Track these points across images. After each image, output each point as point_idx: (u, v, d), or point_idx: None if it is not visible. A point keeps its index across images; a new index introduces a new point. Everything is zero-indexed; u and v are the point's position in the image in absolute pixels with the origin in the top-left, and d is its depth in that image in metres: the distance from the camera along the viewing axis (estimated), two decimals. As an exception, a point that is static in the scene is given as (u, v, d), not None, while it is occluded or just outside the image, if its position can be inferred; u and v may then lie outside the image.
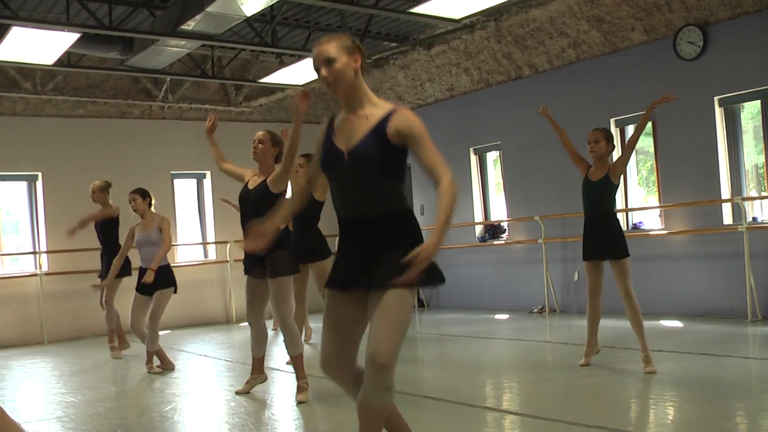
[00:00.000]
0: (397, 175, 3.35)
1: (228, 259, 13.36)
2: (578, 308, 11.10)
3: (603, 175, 6.31)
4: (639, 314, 6.12)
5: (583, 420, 4.59)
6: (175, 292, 7.84)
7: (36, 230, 12.36)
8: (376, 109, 3.35)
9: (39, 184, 12.29)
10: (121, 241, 8.72)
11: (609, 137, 6.43)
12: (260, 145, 6.01)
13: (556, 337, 9.03)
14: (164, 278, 7.68)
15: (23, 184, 12.41)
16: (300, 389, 5.87)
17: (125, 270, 9.01)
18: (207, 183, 13.79)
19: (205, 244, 13.76)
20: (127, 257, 9.07)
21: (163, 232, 7.75)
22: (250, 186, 5.92)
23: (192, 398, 6.36)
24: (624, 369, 6.25)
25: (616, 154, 8.38)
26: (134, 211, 7.93)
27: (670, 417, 4.77)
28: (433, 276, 3.28)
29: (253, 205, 5.72)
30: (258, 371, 6.23)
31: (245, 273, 6.01)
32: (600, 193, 6.33)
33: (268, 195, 5.70)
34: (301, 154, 7.50)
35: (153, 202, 8.04)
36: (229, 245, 13.27)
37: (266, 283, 5.90)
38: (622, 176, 6.51)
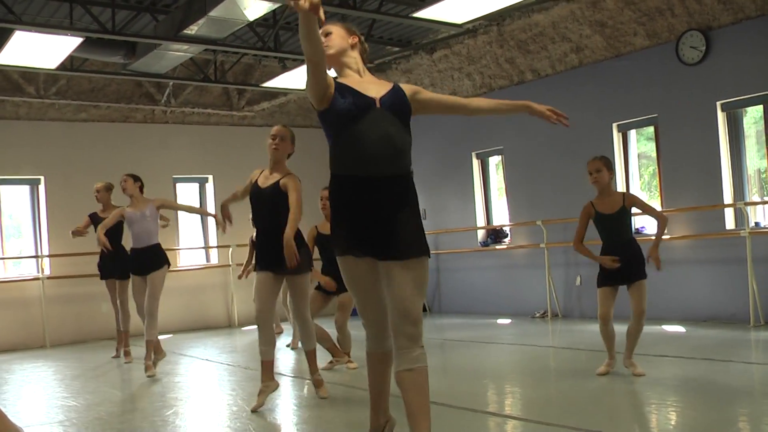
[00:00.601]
0: (410, 136, 3.64)
1: (230, 263, 13.36)
2: (580, 313, 11.09)
3: (619, 207, 6.06)
4: (641, 333, 6.16)
5: (586, 425, 4.58)
6: (168, 266, 7.83)
7: (38, 234, 12.37)
8: (379, 80, 3.78)
9: (41, 187, 12.31)
10: (123, 241, 8.75)
11: (609, 165, 6.17)
12: (281, 142, 5.77)
13: (559, 342, 9.01)
14: (155, 258, 7.70)
15: (26, 188, 12.43)
16: (317, 383, 5.96)
17: (124, 271, 9.07)
18: (209, 187, 13.80)
19: (207, 248, 13.77)
20: (124, 259, 9.14)
21: (166, 204, 7.93)
22: (262, 184, 5.74)
23: (194, 403, 6.35)
24: (627, 374, 6.23)
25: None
26: (123, 191, 7.96)
27: (673, 422, 4.76)
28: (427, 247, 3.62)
29: (269, 203, 5.67)
30: (269, 377, 5.80)
31: (259, 270, 5.71)
32: (619, 224, 6.11)
33: (281, 195, 5.63)
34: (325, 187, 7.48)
35: (143, 188, 8.06)
36: (231, 249, 13.27)
37: (279, 280, 5.78)
38: (615, 179, 6.45)
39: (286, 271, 5.63)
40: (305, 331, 5.96)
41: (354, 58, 3.74)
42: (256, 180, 5.81)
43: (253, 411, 5.63)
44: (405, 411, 3.43)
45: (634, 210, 6.32)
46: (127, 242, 8.32)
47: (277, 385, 5.89)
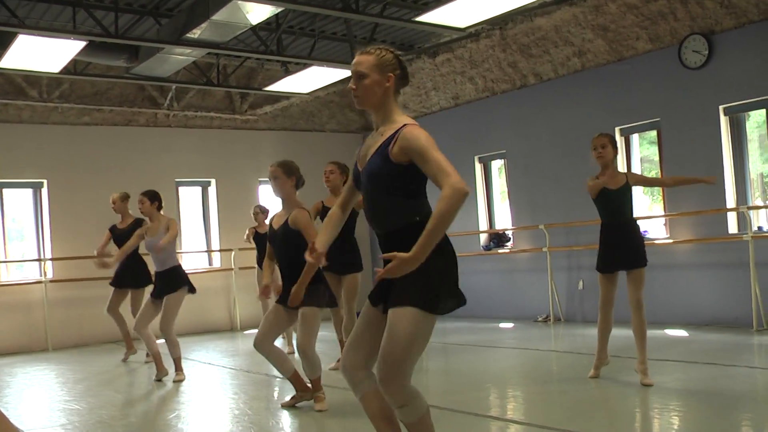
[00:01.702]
0: (407, 191, 3.33)
1: (233, 266, 13.37)
2: (583, 317, 11.08)
3: (623, 183, 6.08)
4: (645, 325, 6.04)
5: (589, 429, 4.58)
6: (192, 292, 7.61)
7: (41, 237, 12.38)
8: (392, 126, 3.35)
9: (44, 191, 12.32)
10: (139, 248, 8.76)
11: (615, 143, 6.24)
12: (276, 182, 5.69)
13: (561, 346, 9.00)
14: (173, 280, 7.50)
15: (29, 192, 12.45)
16: (317, 399, 5.80)
17: (146, 279, 9.14)
18: (212, 190, 13.80)
19: (209, 251, 13.77)
20: (140, 269, 9.28)
21: (169, 230, 7.57)
22: (275, 225, 5.77)
23: (196, 406, 6.35)
24: (630, 379, 6.22)
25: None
26: (141, 213, 7.84)
27: (676, 427, 4.75)
28: (442, 301, 3.33)
29: (281, 242, 5.67)
30: (302, 388, 5.91)
31: (279, 302, 5.74)
32: (620, 202, 6.10)
33: (292, 233, 5.59)
34: (330, 161, 7.49)
35: (162, 205, 7.88)
36: (233, 253, 13.28)
37: (292, 314, 5.72)
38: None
39: (298, 305, 5.60)
40: (306, 363, 5.76)
41: (383, 105, 3.39)
42: (272, 221, 5.85)
43: (282, 406, 5.94)
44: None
45: (637, 213, 6.31)
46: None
47: (311, 396, 5.92)
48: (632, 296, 6.01)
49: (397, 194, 3.32)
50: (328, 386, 6.61)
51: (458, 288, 3.46)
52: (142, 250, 8.58)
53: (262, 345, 5.73)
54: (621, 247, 6.06)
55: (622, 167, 10.63)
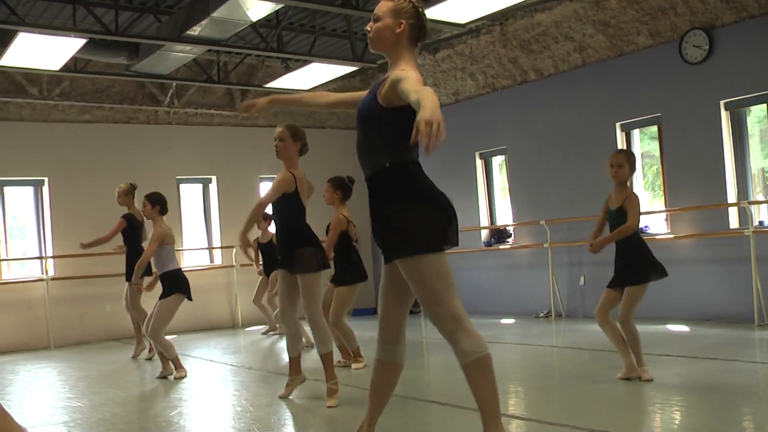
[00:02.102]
0: (387, 135, 3.44)
1: (234, 263, 13.37)
2: (584, 313, 11.09)
3: (619, 205, 5.96)
4: (633, 338, 5.87)
5: (590, 425, 4.58)
6: (189, 299, 7.58)
7: (42, 235, 12.39)
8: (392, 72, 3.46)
9: (45, 189, 12.33)
10: (144, 243, 8.76)
11: (632, 161, 6.01)
12: (281, 143, 5.87)
13: (562, 342, 9.01)
14: (166, 285, 7.48)
15: (30, 189, 12.45)
16: (330, 392, 5.72)
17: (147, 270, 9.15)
18: (213, 188, 13.80)
19: (210, 248, 13.77)
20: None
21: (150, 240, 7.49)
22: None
23: (198, 403, 6.36)
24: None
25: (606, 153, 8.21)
26: (144, 215, 7.83)
27: (677, 422, 4.75)
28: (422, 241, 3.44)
29: (275, 208, 5.85)
30: (295, 372, 6.05)
31: (281, 267, 5.85)
32: (616, 222, 5.99)
33: (285, 197, 5.72)
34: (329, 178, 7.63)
35: (166, 209, 7.68)
36: (234, 250, 13.29)
37: (290, 281, 5.83)
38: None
39: (293, 270, 5.72)
40: (316, 333, 5.76)
41: (395, 51, 3.51)
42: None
43: (281, 397, 6.02)
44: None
45: (641, 209, 6.23)
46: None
47: (303, 379, 6.10)
48: (620, 312, 5.90)
49: (380, 136, 3.46)
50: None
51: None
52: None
53: (285, 316, 5.88)
54: (617, 264, 6.01)
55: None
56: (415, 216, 3.41)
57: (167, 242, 7.50)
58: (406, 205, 3.42)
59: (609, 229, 6.08)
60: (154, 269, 7.73)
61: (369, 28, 3.51)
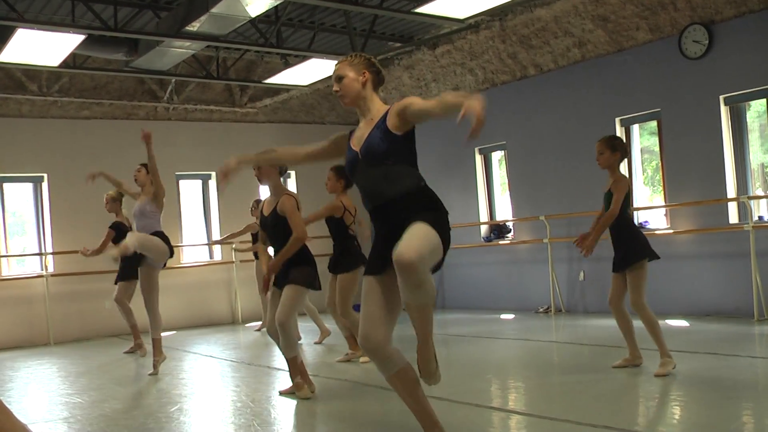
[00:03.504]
0: (406, 160, 3.82)
1: (233, 260, 13.37)
2: (584, 308, 11.09)
3: (608, 189, 6.11)
4: (651, 324, 5.93)
5: (590, 420, 4.58)
6: (171, 255, 7.56)
7: (42, 231, 12.39)
8: (379, 111, 3.92)
9: (45, 185, 12.32)
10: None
11: (615, 146, 6.11)
12: (258, 171, 5.91)
13: (562, 337, 9.01)
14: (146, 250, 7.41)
15: (29, 186, 12.45)
16: (297, 387, 5.90)
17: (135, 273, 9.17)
18: (212, 184, 13.81)
19: (210, 244, 13.77)
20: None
21: (156, 196, 7.60)
22: (266, 212, 5.93)
23: (198, 399, 6.37)
24: (630, 369, 6.22)
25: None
26: (135, 181, 7.85)
27: (677, 417, 4.76)
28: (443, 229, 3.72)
29: (272, 229, 5.87)
30: (294, 374, 6.06)
31: (275, 285, 5.98)
32: (605, 205, 6.15)
33: (282, 219, 5.77)
34: (331, 166, 7.60)
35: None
36: (234, 246, 13.28)
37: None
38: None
39: (280, 284, 5.83)
40: (285, 340, 5.81)
41: (365, 98, 3.95)
42: (262, 208, 6.01)
43: (281, 394, 6.10)
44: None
45: (637, 204, 6.29)
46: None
47: (312, 390, 6.08)
48: (630, 301, 6.00)
49: (398, 161, 3.79)
50: (332, 378, 6.64)
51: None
52: None
53: (272, 330, 5.94)
54: (618, 251, 6.11)
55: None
56: (447, 223, 3.80)
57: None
58: (441, 215, 3.78)
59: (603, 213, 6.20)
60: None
61: (337, 89, 3.95)
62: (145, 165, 7.89)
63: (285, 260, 5.74)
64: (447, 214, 3.81)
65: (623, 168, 10.55)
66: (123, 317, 9.50)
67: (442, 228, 3.69)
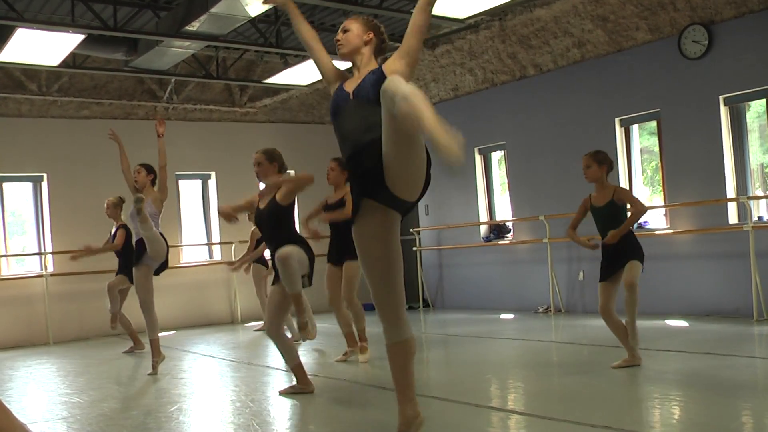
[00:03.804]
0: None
1: (233, 259, 13.37)
2: (583, 308, 11.10)
3: (608, 201, 6.27)
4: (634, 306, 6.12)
5: (589, 420, 4.58)
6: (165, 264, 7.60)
7: (41, 231, 12.39)
8: (373, 65, 4.06)
9: (44, 185, 12.32)
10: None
11: (601, 160, 6.33)
12: (259, 168, 6.05)
13: (562, 337, 9.01)
14: (141, 252, 7.46)
15: (28, 185, 12.45)
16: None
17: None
18: (212, 183, 13.80)
19: (210, 244, 13.77)
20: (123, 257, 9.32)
21: (154, 200, 7.57)
22: (261, 206, 6.01)
23: (197, 399, 6.36)
24: (630, 368, 6.23)
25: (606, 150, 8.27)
26: (135, 182, 7.81)
27: (676, 417, 4.76)
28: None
29: (268, 222, 5.92)
30: (303, 382, 6.12)
31: (274, 284, 6.12)
32: (608, 218, 6.29)
33: (281, 210, 5.87)
34: (332, 158, 7.63)
35: (157, 181, 7.90)
36: (234, 246, 13.29)
37: (283, 292, 5.95)
38: (617, 172, 6.52)
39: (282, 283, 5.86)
40: (280, 347, 6.04)
41: (362, 54, 4.05)
42: (258, 204, 6.06)
43: (281, 394, 6.09)
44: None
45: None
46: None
47: (311, 389, 6.11)
48: (625, 278, 6.12)
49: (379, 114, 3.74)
50: (331, 378, 6.63)
51: None
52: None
53: (271, 331, 6.01)
54: (613, 254, 6.23)
55: (622, 161, 10.62)
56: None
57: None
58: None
59: (598, 227, 6.41)
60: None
61: (338, 38, 4.05)
62: (144, 165, 7.89)
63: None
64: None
65: (622, 168, 10.63)
66: (108, 305, 9.44)
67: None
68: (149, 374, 7.57)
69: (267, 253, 6.17)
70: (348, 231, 7.62)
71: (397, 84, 3.40)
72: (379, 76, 3.84)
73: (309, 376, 6.15)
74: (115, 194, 9.66)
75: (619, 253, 6.20)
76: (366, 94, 3.85)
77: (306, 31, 4.29)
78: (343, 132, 3.93)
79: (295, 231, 6.04)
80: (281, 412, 5.57)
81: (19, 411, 5.92)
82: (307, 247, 5.96)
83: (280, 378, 7.01)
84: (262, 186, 6.22)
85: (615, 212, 6.28)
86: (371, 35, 4.07)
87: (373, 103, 3.77)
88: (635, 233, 6.45)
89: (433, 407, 5.44)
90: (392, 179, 3.67)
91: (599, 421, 4.53)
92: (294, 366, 6.05)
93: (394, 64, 3.90)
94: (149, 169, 7.95)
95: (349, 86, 3.98)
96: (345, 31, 4.05)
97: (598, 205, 6.34)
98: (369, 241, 3.90)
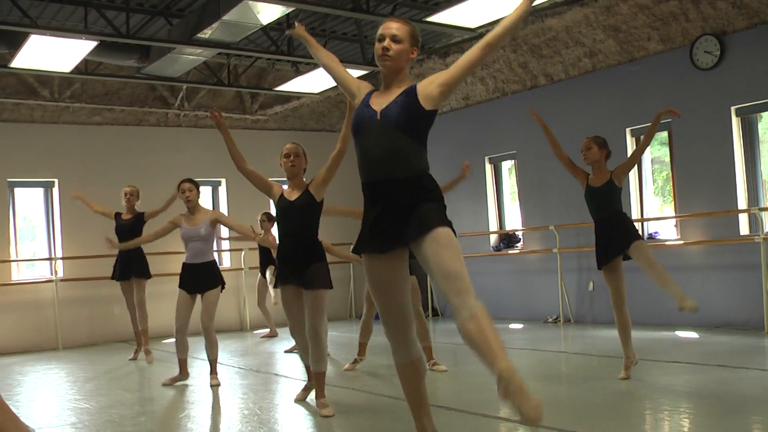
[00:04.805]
0: (422, 140, 3.67)
1: (242, 266, 13.38)
2: (593, 318, 11.05)
3: (606, 180, 6.33)
4: (664, 275, 5.99)
5: (597, 431, 4.56)
6: (222, 288, 7.41)
7: (52, 236, 12.43)
8: (405, 84, 3.75)
9: (56, 190, 12.37)
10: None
11: (601, 143, 6.45)
12: (296, 159, 5.90)
13: (571, 348, 8.98)
14: (210, 277, 7.28)
15: (40, 191, 12.50)
16: (321, 405, 5.63)
17: (144, 271, 9.31)
18: (222, 190, 13.83)
19: (219, 251, 13.79)
20: (145, 259, 9.31)
21: (221, 220, 7.34)
22: (291, 197, 5.81)
23: (206, 406, 6.36)
24: (639, 379, 6.20)
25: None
26: (187, 201, 7.37)
27: (686, 429, 4.73)
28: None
29: (299, 214, 5.73)
30: (311, 377, 6.07)
31: (276, 286, 5.87)
32: (605, 198, 6.34)
33: (315, 204, 5.77)
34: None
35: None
36: (243, 253, 13.30)
37: (301, 295, 5.75)
38: (627, 179, 6.56)
39: (305, 284, 5.64)
40: (315, 350, 5.66)
41: (404, 73, 3.78)
42: (281, 196, 5.85)
43: (296, 401, 6.05)
44: (477, 354, 3.44)
45: (647, 214, 6.38)
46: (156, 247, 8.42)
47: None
48: (646, 262, 6.03)
49: (414, 137, 3.64)
50: (339, 386, 6.62)
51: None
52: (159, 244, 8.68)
53: (298, 334, 5.89)
54: (613, 235, 6.24)
55: (633, 171, 10.58)
56: (441, 209, 3.70)
57: None
58: (442, 206, 3.69)
59: (592, 209, 6.48)
60: None
61: (389, 46, 3.67)
62: (193, 182, 7.43)
63: (295, 250, 5.70)
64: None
65: (633, 179, 10.60)
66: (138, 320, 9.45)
67: (451, 225, 3.62)
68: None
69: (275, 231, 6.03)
70: None
71: (461, 286, 3.35)
72: (412, 101, 3.63)
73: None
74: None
75: (616, 236, 6.19)
76: (395, 118, 3.61)
77: (324, 57, 4.14)
78: (367, 155, 3.68)
79: (319, 242, 5.88)
80: (289, 420, 5.56)
81: (27, 416, 5.94)
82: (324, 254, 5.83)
83: (288, 386, 7.00)
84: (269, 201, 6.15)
85: (613, 191, 6.31)
86: (416, 52, 3.79)
87: (401, 128, 3.60)
88: (645, 239, 6.45)
89: (441, 417, 5.43)
90: (424, 257, 3.52)
91: (608, 433, 4.51)
92: (306, 365, 6.00)
93: (430, 89, 3.65)
94: (198, 185, 7.57)
95: (377, 103, 3.71)
96: (395, 40, 3.70)
97: (595, 185, 6.39)
98: (382, 274, 3.73)
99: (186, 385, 7.35)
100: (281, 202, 5.81)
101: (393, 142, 3.59)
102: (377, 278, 3.73)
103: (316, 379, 5.75)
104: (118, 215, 9.62)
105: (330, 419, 5.45)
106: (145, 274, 9.40)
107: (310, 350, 5.70)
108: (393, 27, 3.72)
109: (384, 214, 3.61)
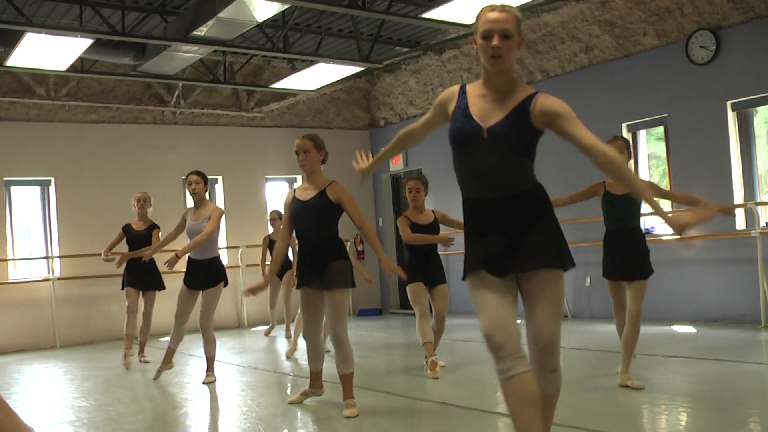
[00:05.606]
0: (531, 156, 3.38)
1: (239, 264, 13.38)
2: (590, 314, 11.07)
3: (627, 192, 5.65)
4: (636, 336, 5.74)
5: (595, 426, 4.57)
6: (225, 285, 7.41)
7: (49, 235, 12.42)
8: (518, 89, 3.32)
9: (52, 189, 12.36)
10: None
11: (622, 148, 5.88)
12: (305, 156, 5.55)
13: (569, 343, 8.99)
14: (212, 273, 7.27)
15: (36, 189, 12.49)
16: (347, 406, 5.50)
17: (158, 282, 8.97)
18: (218, 188, 13.83)
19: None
20: (158, 271, 8.91)
21: (210, 219, 7.27)
22: (304, 197, 5.55)
23: (203, 403, 6.37)
24: (636, 375, 6.21)
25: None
26: (193, 194, 7.40)
27: (683, 423, 4.74)
28: (569, 259, 3.40)
29: (314, 214, 5.50)
30: (317, 385, 5.92)
31: (299, 287, 5.63)
32: (624, 209, 5.86)
33: (331, 205, 5.51)
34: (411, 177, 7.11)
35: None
36: (240, 250, 13.30)
37: (322, 295, 5.57)
38: None
39: (324, 285, 5.46)
40: (340, 354, 5.51)
41: (510, 67, 3.34)
42: (294, 195, 5.63)
43: (290, 403, 5.90)
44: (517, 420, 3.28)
45: (643, 210, 6.21)
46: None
47: (322, 391, 5.98)
48: (630, 308, 5.73)
49: (525, 156, 3.34)
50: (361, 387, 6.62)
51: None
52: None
53: (308, 332, 5.70)
54: (624, 257, 5.82)
55: (630, 165, 10.60)
56: (562, 234, 3.43)
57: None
58: (555, 222, 3.42)
59: (609, 219, 5.98)
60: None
61: (499, 45, 3.14)
62: (200, 174, 7.52)
63: (312, 250, 5.51)
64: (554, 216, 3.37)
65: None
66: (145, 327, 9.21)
67: (564, 240, 3.37)
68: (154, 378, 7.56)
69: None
70: (431, 254, 7.47)
71: (555, 363, 3.32)
72: (525, 124, 3.26)
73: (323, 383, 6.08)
74: (121, 199, 9.59)
75: (628, 258, 5.79)
76: (505, 142, 3.24)
77: (415, 141, 3.80)
78: (474, 173, 3.31)
79: (340, 240, 5.67)
80: (288, 417, 5.57)
81: (25, 414, 5.94)
82: (348, 259, 5.64)
83: (286, 383, 7.01)
84: (269, 200, 6.08)
85: (632, 202, 5.82)
86: (522, 41, 3.29)
87: (513, 150, 3.27)
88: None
89: (439, 413, 5.44)
90: (527, 297, 3.32)
91: (606, 427, 4.52)
92: (314, 371, 5.87)
93: (550, 118, 3.29)
94: (206, 178, 7.66)
95: (481, 115, 3.27)
96: (505, 36, 3.17)
97: (617, 193, 5.87)
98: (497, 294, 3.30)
99: (184, 383, 7.35)
100: (294, 203, 5.59)
101: (503, 161, 3.26)
102: (486, 293, 3.31)
103: (342, 381, 5.59)
104: (127, 228, 8.98)
105: (330, 419, 5.45)
106: (158, 285, 9.02)
107: (335, 354, 5.55)
108: (501, 20, 3.15)
109: (494, 235, 3.29)
